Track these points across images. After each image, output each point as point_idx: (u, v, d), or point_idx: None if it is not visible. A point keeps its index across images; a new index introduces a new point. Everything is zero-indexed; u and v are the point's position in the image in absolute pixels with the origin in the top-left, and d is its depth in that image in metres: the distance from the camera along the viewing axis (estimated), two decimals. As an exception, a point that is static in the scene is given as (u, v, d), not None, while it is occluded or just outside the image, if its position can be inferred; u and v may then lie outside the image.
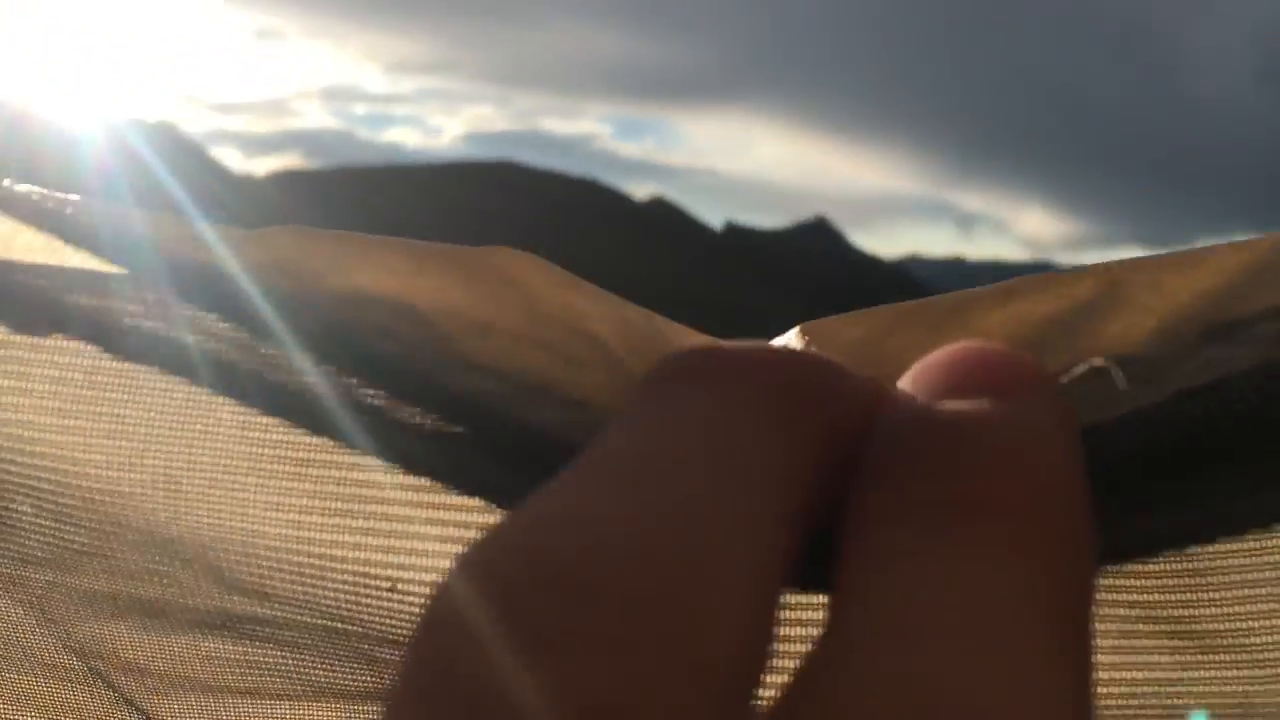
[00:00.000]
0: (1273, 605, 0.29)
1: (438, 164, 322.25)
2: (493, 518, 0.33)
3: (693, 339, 0.34)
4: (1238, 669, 0.30)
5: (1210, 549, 0.29)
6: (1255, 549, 0.28)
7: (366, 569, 0.34)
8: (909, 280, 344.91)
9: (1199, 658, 0.29)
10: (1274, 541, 0.28)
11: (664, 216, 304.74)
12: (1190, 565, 0.29)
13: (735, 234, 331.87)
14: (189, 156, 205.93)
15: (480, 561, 0.18)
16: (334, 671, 0.38)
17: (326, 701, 0.39)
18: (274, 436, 0.35)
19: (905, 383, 0.22)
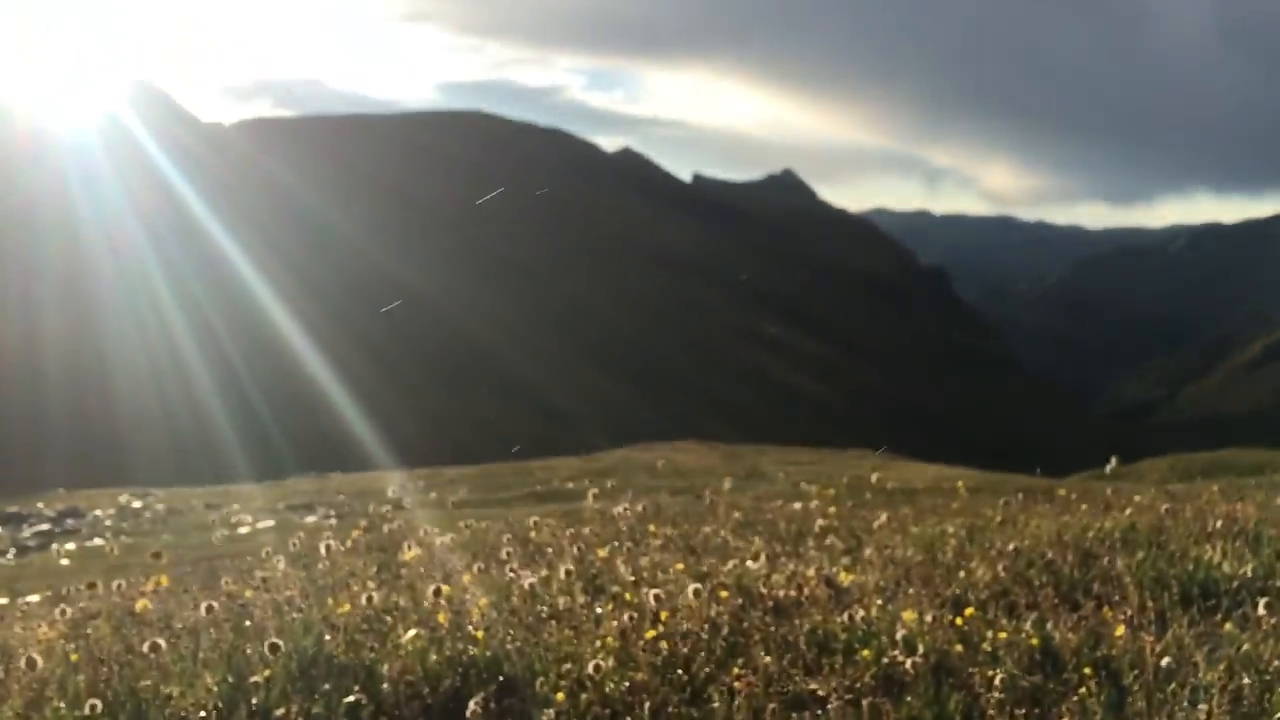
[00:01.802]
0: None
1: (409, 113, 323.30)
2: None
3: None
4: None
5: None
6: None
7: None
8: (874, 232, 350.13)
9: None
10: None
11: (633, 167, 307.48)
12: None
13: (703, 185, 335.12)
14: (157, 105, 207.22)
15: None
16: None
17: None
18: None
19: None
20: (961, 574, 8.64)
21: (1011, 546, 9.36)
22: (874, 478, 20.57)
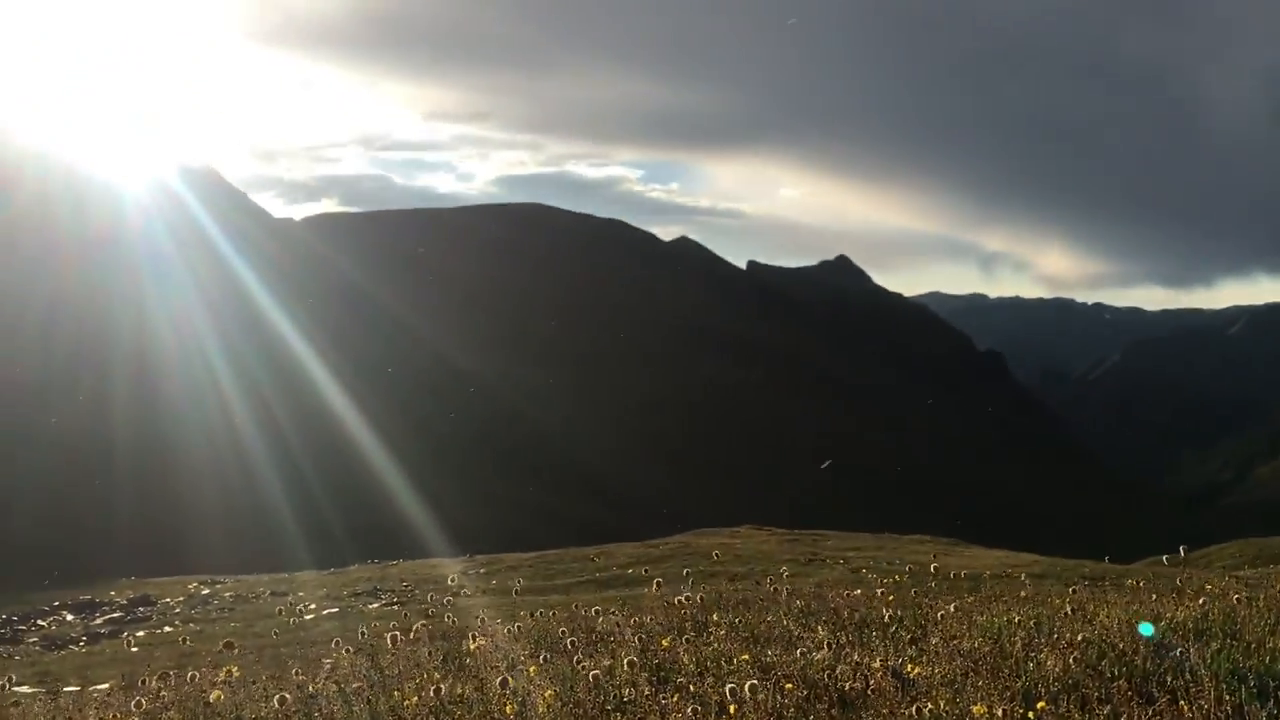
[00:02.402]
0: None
1: (470, 206, 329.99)
2: None
3: None
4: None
5: None
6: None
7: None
8: (929, 316, 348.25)
9: None
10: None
11: (689, 255, 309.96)
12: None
13: (758, 271, 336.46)
14: (230, 200, 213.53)
15: None
16: None
17: None
18: None
19: None
20: (1031, 666, 8.50)
21: (1081, 637, 9.21)
22: (935, 565, 20.28)
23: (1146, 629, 8.31)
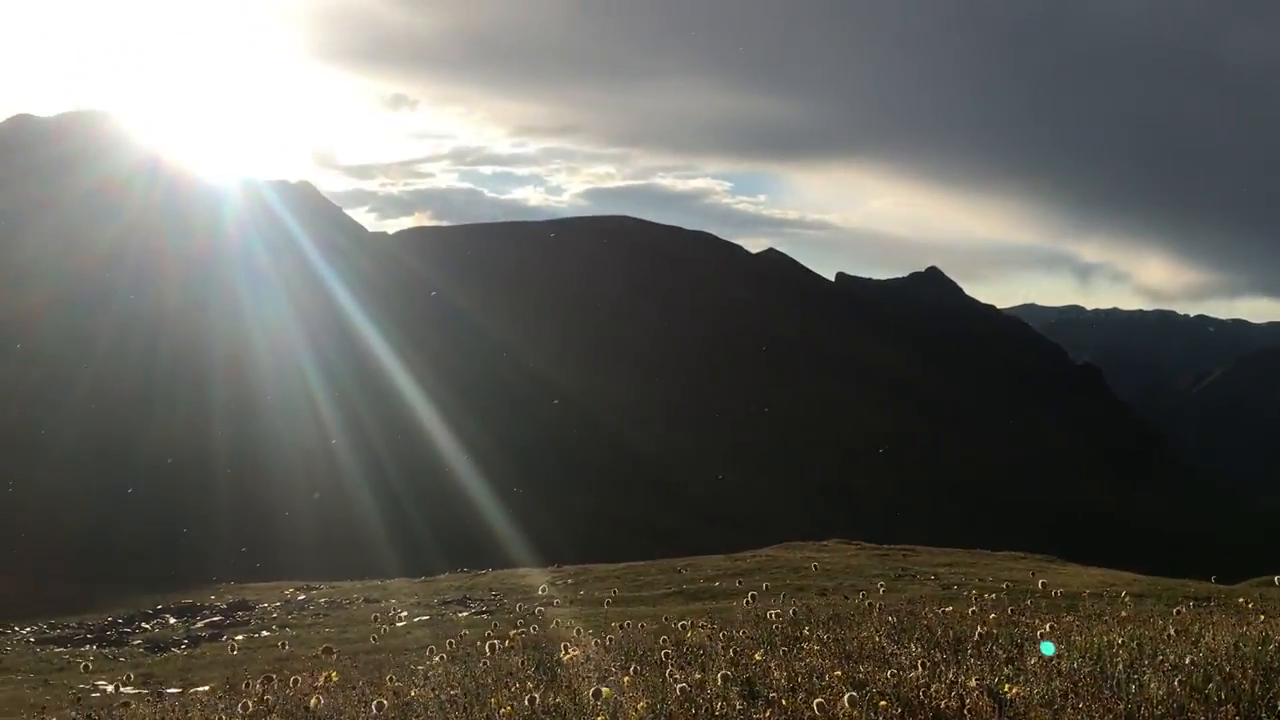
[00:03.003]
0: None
1: (559, 219, 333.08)
2: None
3: None
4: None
5: None
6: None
7: None
8: (1023, 328, 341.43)
9: None
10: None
11: (777, 267, 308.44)
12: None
13: (847, 284, 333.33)
14: (326, 215, 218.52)
15: None
16: None
17: None
18: None
19: None
20: (1133, 688, 8.29)
21: (1187, 660, 8.96)
22: (1039, 583, 19.86)
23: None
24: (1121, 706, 7.86)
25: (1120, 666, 9.11)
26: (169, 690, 17.80)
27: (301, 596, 33.86)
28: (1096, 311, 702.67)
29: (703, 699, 8.42)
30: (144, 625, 30.22)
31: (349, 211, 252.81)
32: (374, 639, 20.70)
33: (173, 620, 30.75)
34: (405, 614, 26.96)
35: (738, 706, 8.19)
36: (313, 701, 9.09)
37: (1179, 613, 12.50)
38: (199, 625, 29.55)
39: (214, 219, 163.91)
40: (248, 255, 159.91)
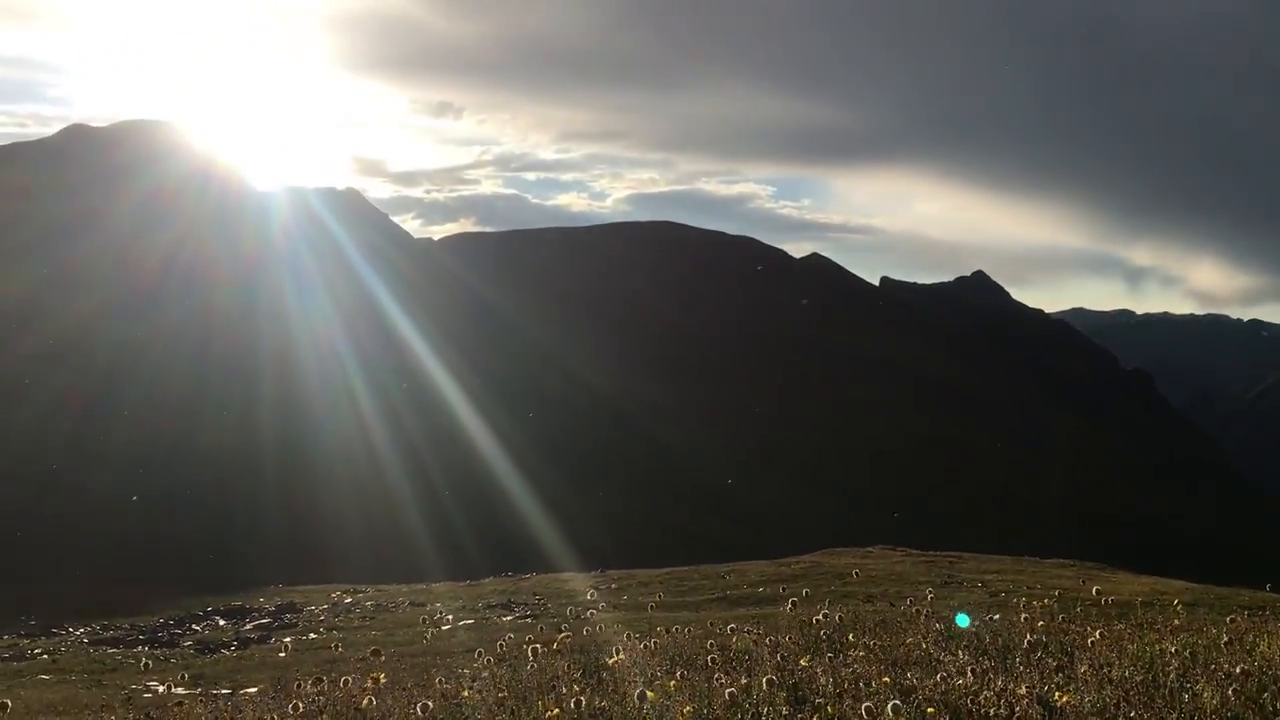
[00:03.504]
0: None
1: (602, 224, 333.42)
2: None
3: None
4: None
5: None
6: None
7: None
8: (1072, 333, 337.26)
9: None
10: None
11: (821, 272, 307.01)
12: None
13: (891, 288, 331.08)
14: (373, 221, 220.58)
15: None
16: None
17: None
18: None
19: None
20: (1186, 697, 8.18)
21: (1240, 669, 8.82)
22: (1092, 590, 19.63)
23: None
24: (1174, 716, 7.76)
25: (1173, 675, 8.99)
26: (219, 691, 18.04)
27: (348, 599, 34.18)
28: (1147, 316, 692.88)
29: (749, 704, 8.41)
30: (194, 627, 30.65)
31: (394, 218, 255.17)
32: (423, 641, 20.86)
33: (222, 622, 31.15)
34: (450, 617, 27.14)
35: (784, 712, 8.18)
36: (364, 702, 9.19)
37: (1233, 621, 12.31)
38: (248, 627, 29.91)
39: (262, 226, 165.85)
40: (295, 261, 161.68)
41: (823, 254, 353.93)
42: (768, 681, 8.86)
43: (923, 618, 14.08)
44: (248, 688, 18.21)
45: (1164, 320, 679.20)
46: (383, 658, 13.21)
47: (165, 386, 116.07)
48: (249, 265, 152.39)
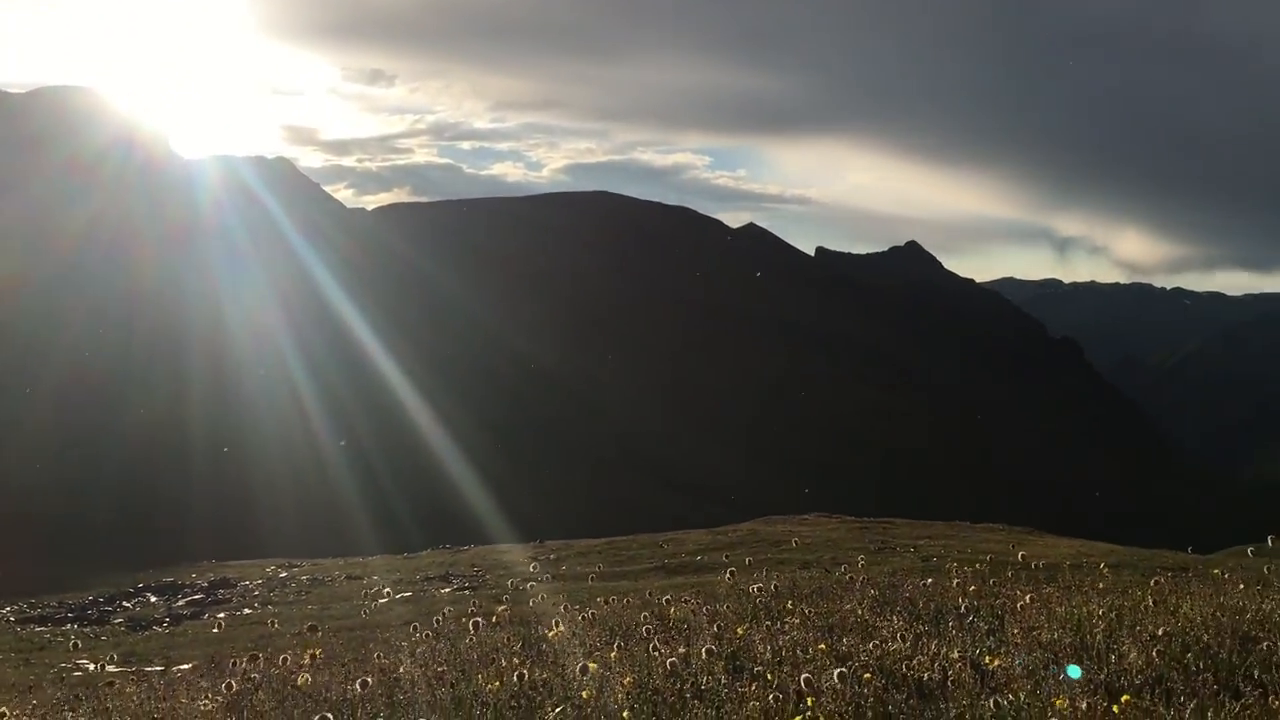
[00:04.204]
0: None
1: (538, 195, 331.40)
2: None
3: None
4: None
5: None
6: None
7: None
8: (1001, 302, 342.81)
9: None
10: None
11: (757, 242, 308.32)
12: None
13: (826, 258, 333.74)
14: (304, 191, 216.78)
15: None
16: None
17: None
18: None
19: None
20: (1113, 658, 8.37)
21: (1164, 630, 9.06)
22: (1018, 554, 20.03)
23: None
24: (1101, 676, 7.94)
25: (1100, 637, 9.20)
26: (152, 668, 17.77)
27: (283, 574, 33.84)
28: (1075, 285, 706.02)
29: (688, 673, 8.45)
30: (125, 604, 30.14)
31: (327, 188, 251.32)
32: (360, 615, 20.73)
33: (154, 599, 30.67)
34: (388, 591, 26.99)
35: (723, 680, 8.24)
36: (300, 679, 9.09)
37: (1157, 583, 12.64)
38: (180, 603, 29.49)
39: (189, 196, 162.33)
40: (225, 233, 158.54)
41: (759, 224, 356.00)
42: (707, 651, 8.92)
43: (858, 584, 14.27)
44: (181, 664, 17.96)
45: (1090, 289, 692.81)
46: (319, 632, 13.09)
47: (88, 363, 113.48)
48: (176, 238, 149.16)
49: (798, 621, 11.07)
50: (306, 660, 10.08)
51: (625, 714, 7.45)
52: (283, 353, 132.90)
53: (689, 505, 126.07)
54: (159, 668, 17.71)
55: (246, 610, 26.77)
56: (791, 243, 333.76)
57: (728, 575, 13.96)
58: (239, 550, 49.75)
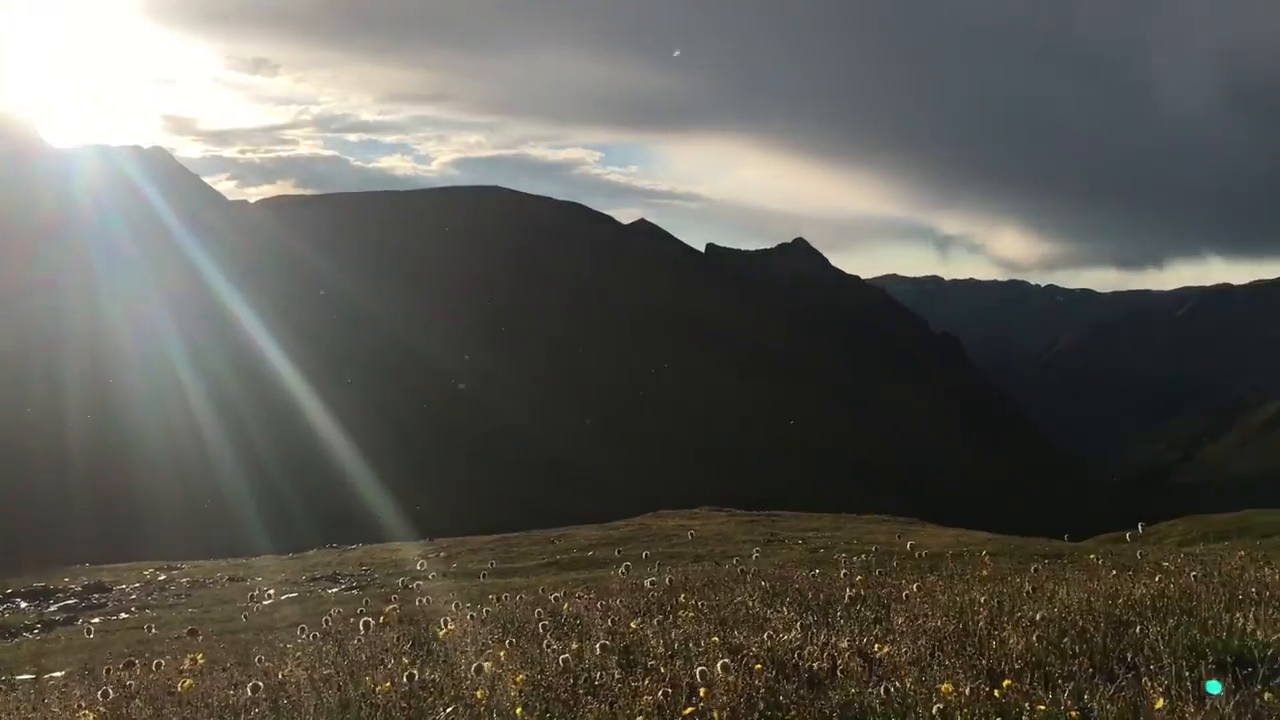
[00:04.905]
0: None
1: (429, 189, 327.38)
2: None
3: None
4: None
5: None
6: None
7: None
8: (885, 298, 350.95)
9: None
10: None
11: (648, 238, 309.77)
12: None
13: (716, 254, 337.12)
14: (184, 183, 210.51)
15: None
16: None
17: None
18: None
19: None
20: (994, 644, 8.59)
21: (1041, 615, 9.32)
22: (902, 544, 20.48)
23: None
24: (984, 662, 8.14)
25: (982, 624, 9.43)
26: (22, 677, 17.05)
27: (162, 577, 32.79)
28: (955, 282, 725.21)
29: (581, 669, 8.42)
30: (-7, 611, 28.84)
31: (207, 179, 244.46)
32: (243, 618, 20.19)
33: (24, 605, 29.43)
34: (272, 592, 26.35)
35: (617, 675, 8.22)
36: (180, 685, 8.79)
37: (1035, 570, 13.03)
38: (52, 609, 28.35)
39: (63, 187, 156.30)
40: (102, 225, 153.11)
41: (650, 220, 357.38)
42: (600, 646, 8.89)
43: (749, 576, 14.41)
44: (53, 672, 17.27)
45: (970, 286, 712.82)
46: (200, 637, 12.70)
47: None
48: (49, 230, 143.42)
49: (691, 615, 11.12)
50: (187, 666, 9.76)
51: (519, 711, 7.38)
52: (166, 348, 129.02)
53: (581, 500, 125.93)
54: (29, 676, 16.99)
55: (123, 615, 25.88)
56: (682, 239, 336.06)
57: (621, 570, 13.96)
58: (122, 554, 48.08)
